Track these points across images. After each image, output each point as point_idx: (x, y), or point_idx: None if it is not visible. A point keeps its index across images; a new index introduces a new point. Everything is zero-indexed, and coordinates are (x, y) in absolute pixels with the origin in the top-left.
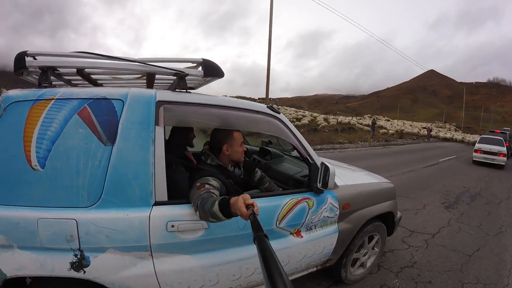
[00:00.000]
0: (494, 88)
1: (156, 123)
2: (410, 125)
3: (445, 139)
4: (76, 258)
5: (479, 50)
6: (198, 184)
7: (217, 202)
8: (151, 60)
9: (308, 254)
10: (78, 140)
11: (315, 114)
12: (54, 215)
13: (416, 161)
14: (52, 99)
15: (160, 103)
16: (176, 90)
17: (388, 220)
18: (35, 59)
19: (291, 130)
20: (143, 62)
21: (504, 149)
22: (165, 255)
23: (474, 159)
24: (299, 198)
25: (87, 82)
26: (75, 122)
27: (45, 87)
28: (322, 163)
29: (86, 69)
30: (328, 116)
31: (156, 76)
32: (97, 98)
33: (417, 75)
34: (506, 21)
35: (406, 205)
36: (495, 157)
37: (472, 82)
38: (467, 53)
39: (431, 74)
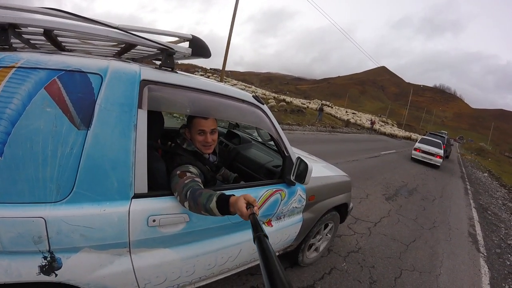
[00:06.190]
0: (439, 94)
1: (139, 105)
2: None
3: (388, 134)
4: (45, 261)
5: (433, 57)
6: (178, 172)
7: (214, 199)
8: (134, 29)
9: (275, 241)
10: (45, 121)
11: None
12: (17, 213)
13: (360, 151)
14: (13, 67)
15: (144, 83)
16: (163, 68)
17: (342, 210)
18: None
19: (272, 122)
20: (125, 30)
21: (441, 152)
22: (144, 250)
23: (413, 156)
24: (274, 190)
25: (49, 44)
26: (41, 98)
27: (4, 50)
28: (298, 158)
29: (55, 31)
30: (278, 95)
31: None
32: (70, 70)
33: (369, 69)
34: (464, 35)
35: (352, 194)
36: (432, 157)
37: (420, 85)
38: (421, 57)
39: (382, 70)
